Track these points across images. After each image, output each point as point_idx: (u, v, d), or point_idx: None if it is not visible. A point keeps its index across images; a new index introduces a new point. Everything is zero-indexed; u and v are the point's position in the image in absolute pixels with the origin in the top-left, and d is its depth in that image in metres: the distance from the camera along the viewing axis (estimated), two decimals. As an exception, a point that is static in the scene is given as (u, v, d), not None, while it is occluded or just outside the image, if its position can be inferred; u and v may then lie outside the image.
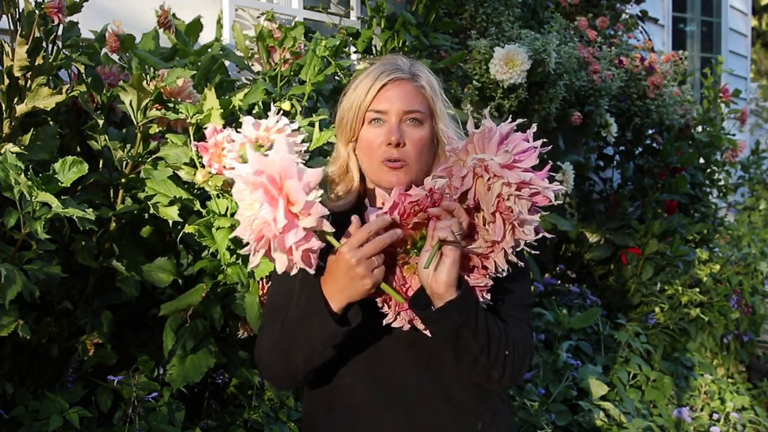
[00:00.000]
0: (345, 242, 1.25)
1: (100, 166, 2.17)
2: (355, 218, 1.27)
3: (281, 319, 1.38)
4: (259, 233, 1.17)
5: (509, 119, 1.31)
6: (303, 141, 1.73)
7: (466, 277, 1.31)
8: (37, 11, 1.92)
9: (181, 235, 1.99)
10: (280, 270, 1.19)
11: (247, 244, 1.21)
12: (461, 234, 1.26)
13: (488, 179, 1.24)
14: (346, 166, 1.49)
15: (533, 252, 1.32)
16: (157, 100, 2.00)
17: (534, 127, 1.31)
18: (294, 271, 1.21)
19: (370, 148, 1.42)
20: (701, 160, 4.97)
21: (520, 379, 1.41)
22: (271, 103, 2.22)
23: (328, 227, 1.18)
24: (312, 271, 1.20)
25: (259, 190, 1.14)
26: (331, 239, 1.23)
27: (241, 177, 1.16)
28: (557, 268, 4.36)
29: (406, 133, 1.40)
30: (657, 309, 4.04)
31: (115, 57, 2.38)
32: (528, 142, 1.28)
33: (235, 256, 1.94)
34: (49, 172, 1.72)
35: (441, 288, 1.25)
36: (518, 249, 1.29)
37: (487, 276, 1.31)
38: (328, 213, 1.17)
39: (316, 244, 1.18)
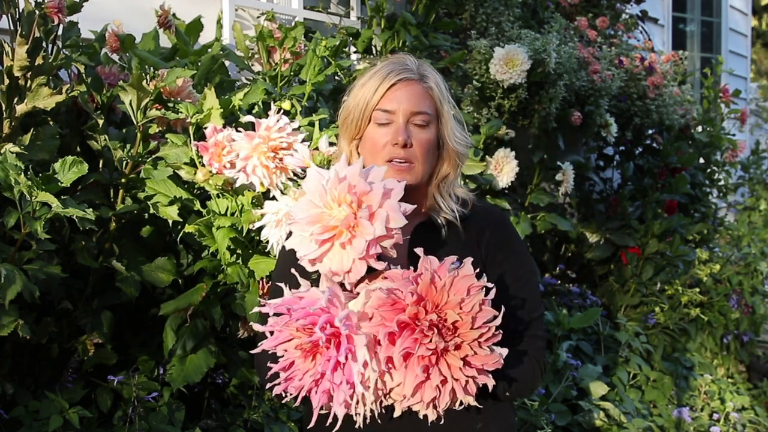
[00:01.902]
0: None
1: (100, 166, 2.17)
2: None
3: None
4: (329, 228, 1.19)
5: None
6: (303, 141, 1.73)
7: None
8: (37, 11, 1.92)
9: (181, 235, 1.99)
10: (335, 269, 1.21)
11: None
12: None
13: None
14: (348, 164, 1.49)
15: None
16: (157, 99, 2.01)
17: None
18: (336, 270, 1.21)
19: (375, 147, 1.42)
20: (701, 160, 4.96)
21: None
22: (272, 103, 2.22)
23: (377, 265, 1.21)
24: (348, 286, 1.23)
25: (354, 194, 1.19)
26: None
27: (335, 176, 1.20)
28: (557, 268, 4.36)
29: (413, 134, 1.40)
30: (657, 309, 4.04)
31: (115, 57, 2.38)
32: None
33: (235, 256, 1.94)
34: (49, 172, 1.72)
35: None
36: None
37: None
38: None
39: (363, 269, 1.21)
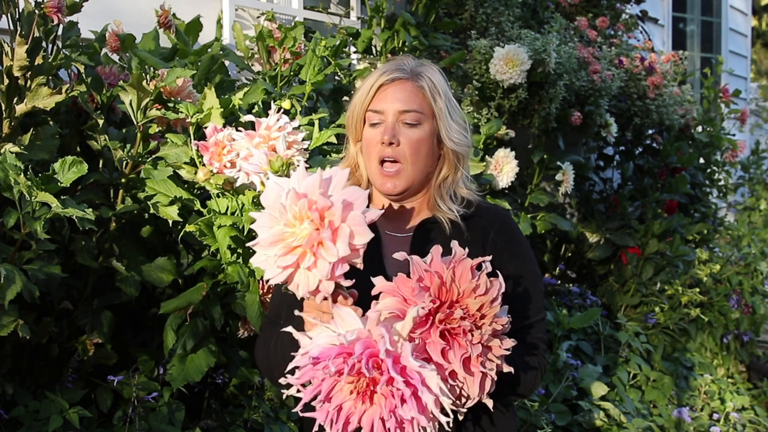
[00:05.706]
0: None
1: (100, 166, 2.17)
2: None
3: (273, 340, 1.41)
4: (291, 248, 1.15)
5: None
6: (303, 140, 1.74)
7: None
8: (36, 11, 1.92)
9: (181, 234, 1.99)
10: (302, 293, 1.18)
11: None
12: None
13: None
14: (355, 165, 1.50)
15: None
16: (157, 99, 2.00)
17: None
18: (303, 293, 1.18)
19: (369, 147, 1.43)
20: (701, 160, 4.96)
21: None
22: (272, 103, 2.22)
23: (345, 282, 1.18)
24: (319, 300, 1.19)
25: (315, 211, 1.14)
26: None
27: (293, 192, 1.15)
28: (557, 268, 4.36)
29: (402, 133, 1.40)
30: (657, 309, 4.04)
31: (115, 57, 2.38)
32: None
33: (235, 255, 1.94)
34: (49, 172, 1.72)
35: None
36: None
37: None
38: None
39: (331, 287, 1.18)
